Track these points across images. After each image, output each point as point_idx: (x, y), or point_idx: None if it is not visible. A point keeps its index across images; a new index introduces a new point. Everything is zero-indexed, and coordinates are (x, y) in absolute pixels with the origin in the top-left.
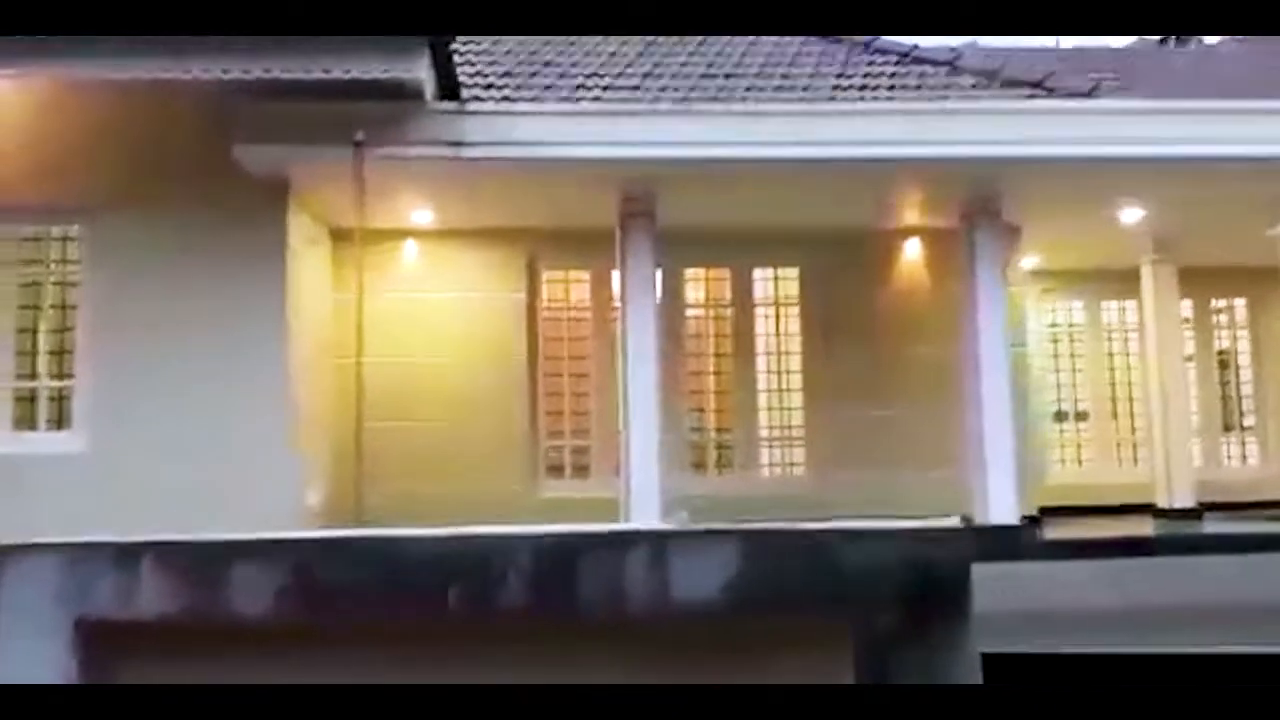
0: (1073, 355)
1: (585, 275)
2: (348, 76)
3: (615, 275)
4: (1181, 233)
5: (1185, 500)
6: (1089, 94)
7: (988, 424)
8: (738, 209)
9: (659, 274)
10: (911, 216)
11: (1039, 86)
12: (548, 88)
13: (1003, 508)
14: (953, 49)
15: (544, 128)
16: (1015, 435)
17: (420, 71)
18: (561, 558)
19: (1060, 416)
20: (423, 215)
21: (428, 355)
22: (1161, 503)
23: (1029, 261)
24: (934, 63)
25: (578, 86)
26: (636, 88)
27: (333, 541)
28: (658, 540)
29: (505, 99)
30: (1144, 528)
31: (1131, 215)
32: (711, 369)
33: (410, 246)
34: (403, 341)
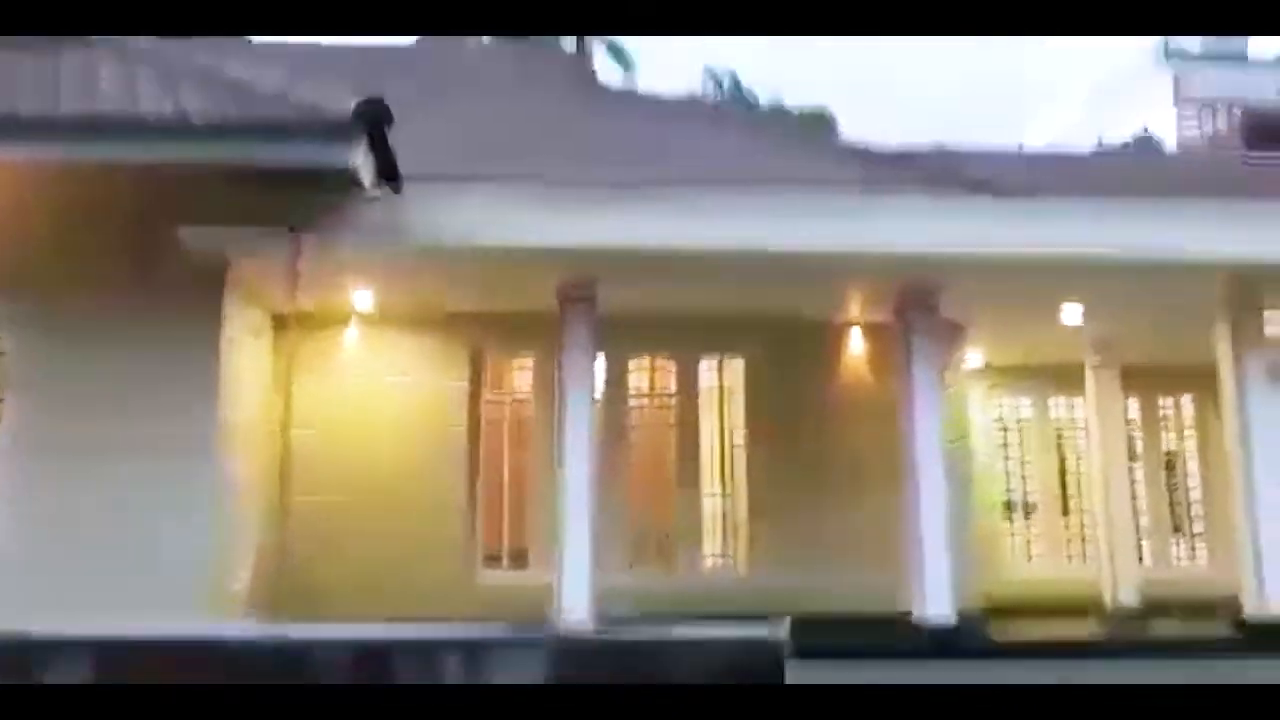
0: (1023, 451)
1: (529, 362)
2: (281, 164)
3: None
4: (1124, 332)
5: (1130, 599)
6: (1028, 195)
7: (924, 521)
8: (683, 297)
9: (603, 362)
10: (855, 310)
11: (981, 186)
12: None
13: (939, 605)
14: (906, 147)
15: (482, 215)
16: (959, 531)
17: (355, 159)
18: (372, 660)
19: (1009, 512)
20: (367, 300)
21: (371, 442)
22: (1110, 600)
23: (975, 357)
24: (881, 159)
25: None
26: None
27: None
28: (470, 645)
29: (443, 182)
30: (1086, 628)
31: (1072, 314)
32: (655, 459)
33: (355, 332)
34: (347, 428)
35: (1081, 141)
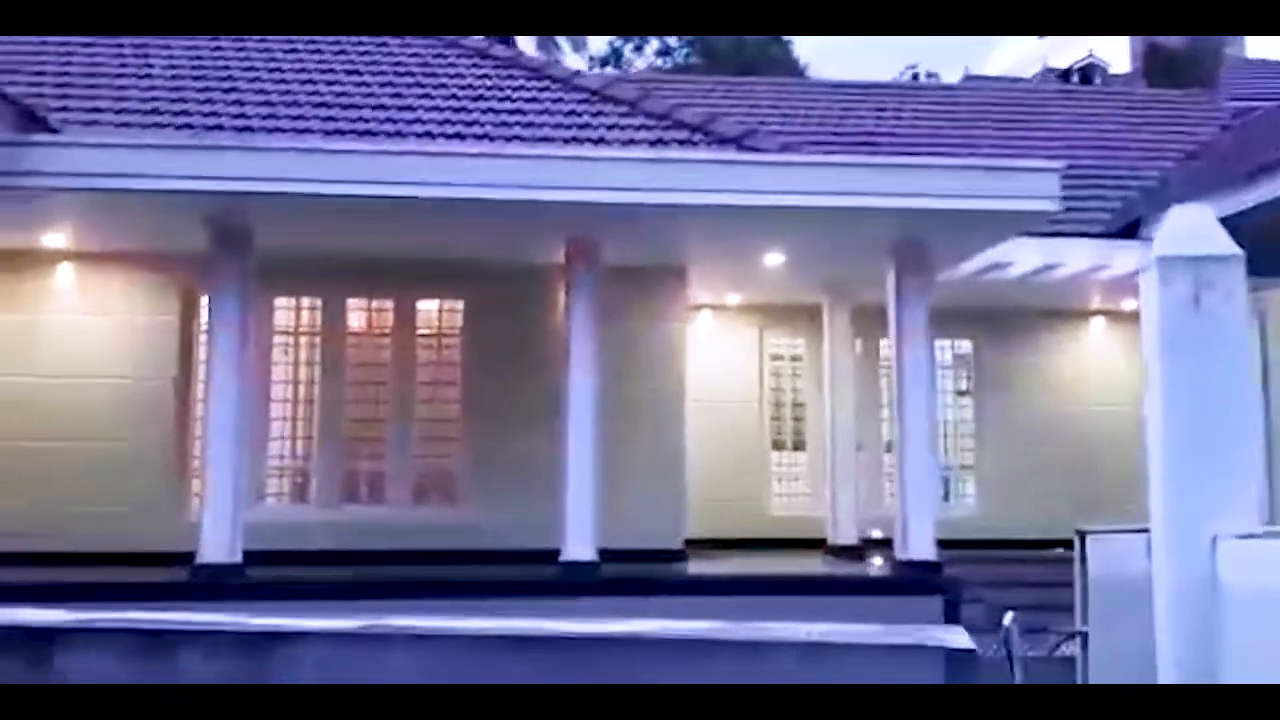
0: (793, 389)
1: None
2: None
3: (277, 302)
4: (850, 276)
5: (849, 537)
6: (739, 140)
7: (571, 463)
8: (391, 241)
9: (320, 301)
10: (546, 257)
11: (698, 130)
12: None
13: (579, 544)
14: (639, 89)
15: (106, 160)
16: (669, 472)
17: None
18: None
19: (779, 448)
20: (57, 239)
21: (71, 381)
22: (830, 538)
23: (734, 298)
24: (617, 101)
25: (151, 111)
26: (214, 113)
27: None
28: None
29: (77, 125)
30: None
31: (773, 259)
32: (372, 398)
33: (65, 269)
34: (45, 367)
35: (1033, 66)
